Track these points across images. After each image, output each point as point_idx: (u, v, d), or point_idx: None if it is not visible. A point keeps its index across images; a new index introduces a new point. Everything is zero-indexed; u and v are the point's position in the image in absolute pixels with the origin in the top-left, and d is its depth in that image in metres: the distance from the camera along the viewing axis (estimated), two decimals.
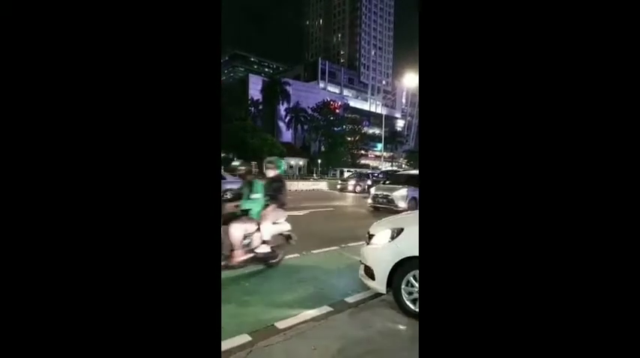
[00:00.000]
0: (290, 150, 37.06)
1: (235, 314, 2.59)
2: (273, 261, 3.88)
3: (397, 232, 2.76)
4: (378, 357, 2.05)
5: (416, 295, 2.59)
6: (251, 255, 3.59)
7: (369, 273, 2.83)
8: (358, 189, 18.49)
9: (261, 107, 39.86)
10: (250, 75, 50.87)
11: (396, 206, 9.14)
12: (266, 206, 3.77)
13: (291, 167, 38.61)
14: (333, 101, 45.53)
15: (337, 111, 43.99)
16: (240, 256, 3.49)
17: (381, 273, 2.71)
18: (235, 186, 4.68)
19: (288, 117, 41.36)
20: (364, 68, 66.38)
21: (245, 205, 3.79)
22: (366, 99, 62.46)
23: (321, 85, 55.68)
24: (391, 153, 51.21)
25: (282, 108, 41.24)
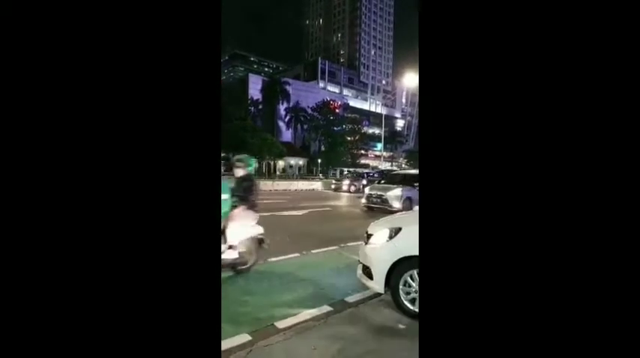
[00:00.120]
0: (290, 150, 37.06)
1: (235, 313, 2.59)
2: (243, 267, 3.65)
3: (395, 232, 2.76)
4: (378, 357, 2.06)
5: (414, 294, 2.60)
6: None
7: (367, 273, 2.84)
8: (352, 188, 18.30)
9: (260, 107, 39.85)
10: (250, 74, 50.88)
11: (390, 206, 9.02)
12: (234, 207, 3.59)
13: (290, 167, 38.61)
14: (333, 101, 45.54)
15: (337, 110, 43.99)
16: None
17: (379, 273, 2.71)
18: None
19: (287, 117, 41.35)
20: (364, 68, 66.36)
21: None
22: (365, 99, 62.45)
23: (321, 84, 55.66)
24: (391, 153, 51.23)
25: (282, 107, 41.23)
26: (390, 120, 57.84)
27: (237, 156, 3.93)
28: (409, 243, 2.60)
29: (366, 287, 2.98)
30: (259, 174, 31.50)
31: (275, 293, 3.12)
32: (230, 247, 3.47)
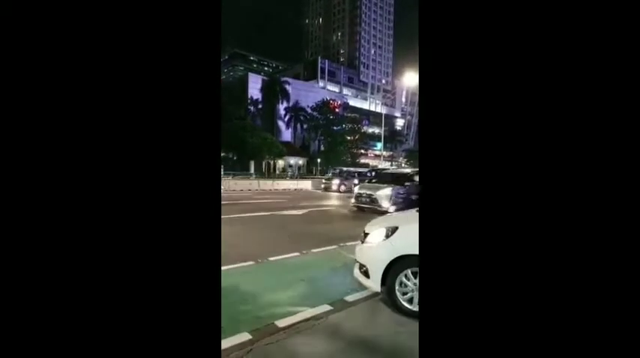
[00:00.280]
0: (289, 150, 37.02)
1: (235, 312, 2.59)
2: None
3: (392, 231, 2.78)
4: (378, 356, 2.06)
5: (410, 293, 2.61)
6: None
7: (364, 272, 2.85)
8: (343, 188, 17.89)
9: (260, 106, 39.78)
10: (250, 74, 50.77)
11: (380, 206, 8.66)
12: None
13: (290, 166, 38.58)
14: (333, 100, 45.46)
15: (337, 110, 43.93)
16: None
17: (376, 272, 2.72)
18: None
19: (287, 117, 41.30)
20: (364, 67, 66.29)
21: None
22: (365, 99, 62.39)
23: (321, 83, 55.59)
24: (391, 153, 51.21)
25: (282, 107, 41.16)
26: (389, 119, 57.80)
27: None
28: (405, 242, 2.62)
29: (364, 286, 2.99)
30: (260, 173, 31.49)
31: (275, 292, 3.12)
32: None
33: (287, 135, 42.84)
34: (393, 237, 2.74)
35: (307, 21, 76.48)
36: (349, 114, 46.02)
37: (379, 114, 47.13)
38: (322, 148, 40.59)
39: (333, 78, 58.93)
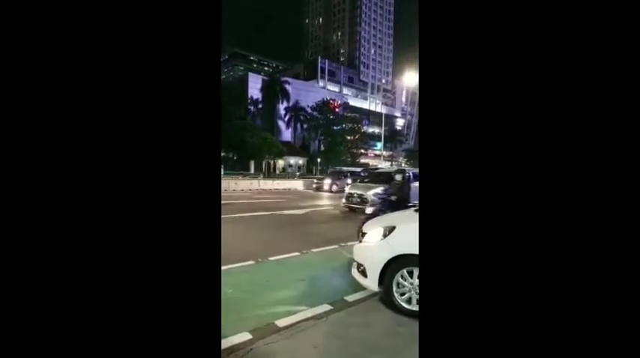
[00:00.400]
0: (289, 149, 37.00)
1: (235, 312, 2.59)
2: None
3: (389, 230, 2.78)
4: (379, 356, 2.06)
5: (407, 293, 2.61)
6: None
7: (362, 271, 2.86)
8: (334, 188, 17.44)
9: (260, 106, 39.75)
10: (250, 74, 50.74)
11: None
12: None
13: (290, 166, 38.55)
14: (333, 100, 45.40)
15: (337, 110, 43.88)
16: None
17: (373, 271, 2.73)
18: None
19: (287, 116, 41.26)
20: (364, 67, 66.23)
21: None
22: (365, 98, 62.33)
23: (321, 83, 55.54)
24: (391, 152, 51.16)
25: (282, 107, 41.12)
26: (389, 119, 57.76)
27: None
28: (403, 242, 2.63)
29: (364, 286, 2.99)
30: (260, 173, 31.47)
31: (275, 291, 3.12)
32: None
33: (287, 134, 42.81)
34: (390, 236, 2.75)
35: (307, 21, 76.42)
36: (349, 114, 45.96)
37: (379, 114, 47.09)
38: (322, 148, 40.55)
39: (333, 77, 58.89)
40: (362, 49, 66.51)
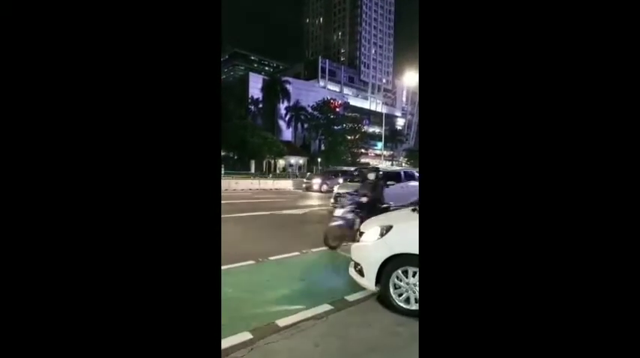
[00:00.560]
0: (290, 149, 37.01)
1: (235, 311, 2.59)
2: None
3: (386, 229, 2.79)
4: (379, 355, 2.06)
5: (404, 292, 2.62)
6: None
7: (359, 270, 2.87)
8: (324, 188, 16.84)
9: (261, 105, 39.76)
10: (250, 73, 50.77)
11: None
12: None
13: (291, 166, 38.56)
14: (333, 99, 45.39)
15: (337, 109, 43.87)
16: None
17: (370, 270, 2.74)
18: None
19: (288, 116, 41.26)
20: (364, 66, 66.19)
21: None
22: (366, 98, 62.31)
23: (321, 83, 55.54)
24: (391, 152, 51.14)
25: (283, 106, 41.12)
26: (390, 119, 57.75)
27: None
28: (399, 241, 2.64)
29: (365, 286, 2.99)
30: (261, 172, 31.47)
31: (276, 291, 3.12)
32: None
33: (288, 134, 42.81)
34: (387, 235, 2.76)
35: (308, 20, 76.41)
36: (350, 114, 45.94)
37: (380, 114, 47.10)
38: (323, 148, 40.56)
39: (333, 77, 58.89)
40: (362, 49, 66.48)
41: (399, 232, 2.73)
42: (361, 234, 3.04)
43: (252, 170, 33.00)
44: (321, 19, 73.22)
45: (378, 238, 2.80)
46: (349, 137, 41.73)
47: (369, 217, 4.67)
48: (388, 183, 8.52)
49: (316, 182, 17.98)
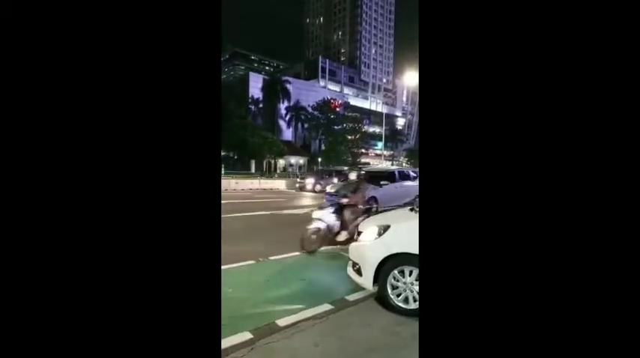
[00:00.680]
0: (290, 149, 37.01)
1: (236, 311, 2.60)
2: None
3: (384, 229, 2.81)
4: (379, 355, 2.06)
5: (402, 291, 2.63)
6: None
7: (357, 270, 2.88)
8: (318, 188, 16.53)
9: (261, 105, 39.77)
10: (251, 73, 50.76)
11: None
12: None
13: (291, 165, 38.56)
14: (334, 99, 45.37)
15: (337, 109, 43.86)
16: None
17: (368, 269, 2.75)
18: None
19: (288, 116, 41.26)
20: (365, 66, 66.17)
21: None
22: (366, 98, 62.28)
23: (322, 83, 55.53)
24: (392, 152, 51.14)
25: (283, 106, 41.11)
26: (390, 118, 57.73)
27: None
28: (397, 241, 2.65)
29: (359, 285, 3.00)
30: (261, 172, 31.48)
31: (277, 291, 3.13)
32: None
33: (288, 134, 42.81)
34: (384, 235, 2.77)
35: (308, 20, 76.38)
36: (350, 114, 45.93)
37: (380, 114, 47.10)
38: (323, 147, 40.55)
39: (333, 77, 58.87)
40: (363, 49, 66.45)
41: (397, 232, 2.74)
42: (359, 233, 3.06)
43: (253, 170, 33.00)
44: (322, 19, 73.20)
45: (376, 238, 2.81)
46: (349, 137, 41.71)
47: (351, 220, 4.58)
48: (382, 183, 8.39)
49: (309, 182, 17.78)
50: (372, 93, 65.29)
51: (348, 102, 50.41)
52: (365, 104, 59.46)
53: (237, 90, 39.54)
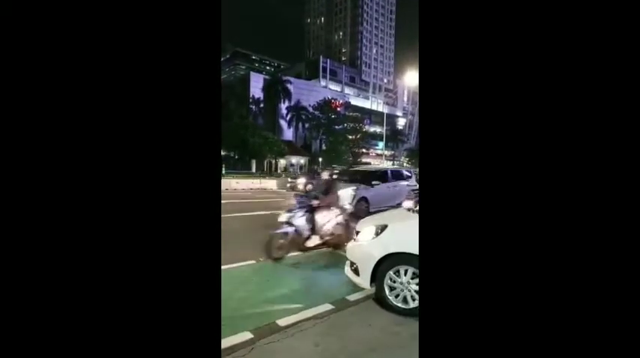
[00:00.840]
0: (291, 149, 37.03)
1: (236, 311, 2.60)
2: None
3: (381, 229, 2.81)
4: (380, 355, 2.06)
5: (398, 290, 2.63)
6: None
7: (355, 269, 2.89)
8: (309, 187, 16.13)
9: (262, 105, 39.80)
10: (252, 73, 50.81)
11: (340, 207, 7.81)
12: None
13: (292, 165, 38.57)
14: (335, 99, 45.36)
15: (338, 109, 43.85)
16: None
17: (365, 269, 2.76)
18: None
19: (289, 116, 41.27)
20: (365, 66, 66.17)
21: None
22: (367, 98, 62.27)
23: (323, 83, 55.54)
24: (392, 152, 51.14)
25: (284, 106, 41.14)
26: (391, 118, 57.70)
27: None
28: (394, 240, 2.66)
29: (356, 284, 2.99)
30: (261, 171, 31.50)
31: (277, 291, 3.13)
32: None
33: (289, 134, 42.83)
34: (382, 235, 2.78)
35: (309, 20, 76.42)
36: (351, 114, 45.90)
37: (381, 114, 47.09)
38: (324, 147, 40.56)
39: (334, 77, 58.88)
40: (364, 49, 66.45)
41: (394, 231, 2.75)
42: (357, 233, 3.08)
43: (254, 170, 33.03)
44: (323, 19, 73.22)
45: (373, 237, 2.82)
46: (350, 137, 41.70)
47: (323, 223, 4.21)
48: (373, 182, 8.16)
49: (300, 182, 17.41)
50: (373, 93, 65.29)
51: (349, 102, 50.41)
52: (366, 104, 59.45)
53: (238, 90, 39.56)
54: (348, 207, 7.51)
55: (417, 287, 2.55)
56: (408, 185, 8.76)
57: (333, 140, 38.63)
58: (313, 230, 4.33)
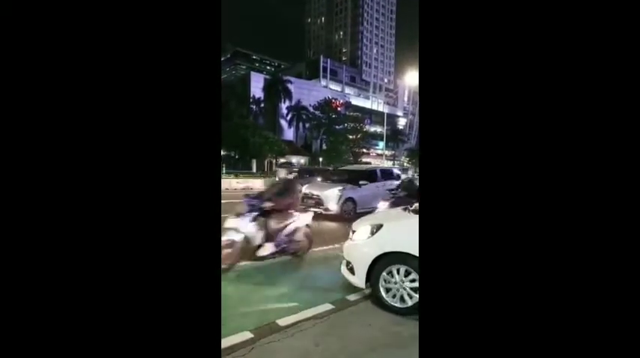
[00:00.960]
0: (291, 149, 37.05)
1: (236, 311, 2.60)
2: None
3: (377, 228, 2.82)
4: (380, 355, 2.06)
5: (394, 290, 2.63)
6: None
7: (350, 268, 2.90)
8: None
9: (262, 105, 39.79)
10: (252, 73, 50.81)
11: (326, 208, 7.40)
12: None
13: (292, 165, 38.58)
14: (335, 99, 45.32)
15: (339, 109, 43.81)
16: None
17: (361, 268, 2.77)
18: None
19: (289, 115, 41.25)
20: (366, 66, 66.15)
21: None
22: (367, 98, 62.24)
23: (323, 82, 55.53)
24: (393, 152, 51.12)
25: (284, 106, 41.13)
26: (392, 118, 57.65)
27: None
28: (390, 240, 2.67)
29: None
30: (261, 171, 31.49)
31: (277, 291, 3.13)
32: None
33: (289, 134, 42.81)
34: (377, 234, 2.79)
35: (309, 20, 76.41)
36: (351, 113, 45.84)
37: (381, 114, 47.07)
38: (324, 147, 40.55)
39: (335, 77, 58.85)
40: (364, 49, 66.43)
41: (390, 231, 2.76)
42: (353, 232, 3.09)
43: (254, 169, 33.03)
44: (323, 19, 73.20)
45: (369, 237, 2.83)
46: (351, 136, 41.67)
47: (278, 229, 3.70)
48: (360, 182, 7.98)
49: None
50: (374, 93, 65.27)
51: (350, 102, 50.34)
52: (366, 104, 59.41)
53: (239, 90, 39.56)
54: (334, 208, 7.39)
55: (412, 285, 2.56)
56: (384, 186, 8.24)
57: (333, 140, 38.60)
58: (268, 237, 3.73)
